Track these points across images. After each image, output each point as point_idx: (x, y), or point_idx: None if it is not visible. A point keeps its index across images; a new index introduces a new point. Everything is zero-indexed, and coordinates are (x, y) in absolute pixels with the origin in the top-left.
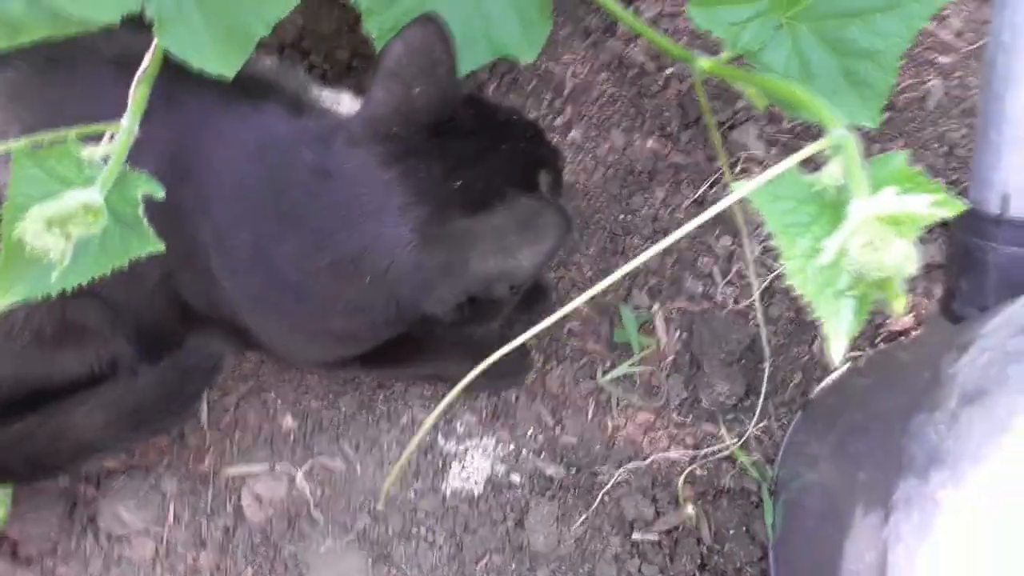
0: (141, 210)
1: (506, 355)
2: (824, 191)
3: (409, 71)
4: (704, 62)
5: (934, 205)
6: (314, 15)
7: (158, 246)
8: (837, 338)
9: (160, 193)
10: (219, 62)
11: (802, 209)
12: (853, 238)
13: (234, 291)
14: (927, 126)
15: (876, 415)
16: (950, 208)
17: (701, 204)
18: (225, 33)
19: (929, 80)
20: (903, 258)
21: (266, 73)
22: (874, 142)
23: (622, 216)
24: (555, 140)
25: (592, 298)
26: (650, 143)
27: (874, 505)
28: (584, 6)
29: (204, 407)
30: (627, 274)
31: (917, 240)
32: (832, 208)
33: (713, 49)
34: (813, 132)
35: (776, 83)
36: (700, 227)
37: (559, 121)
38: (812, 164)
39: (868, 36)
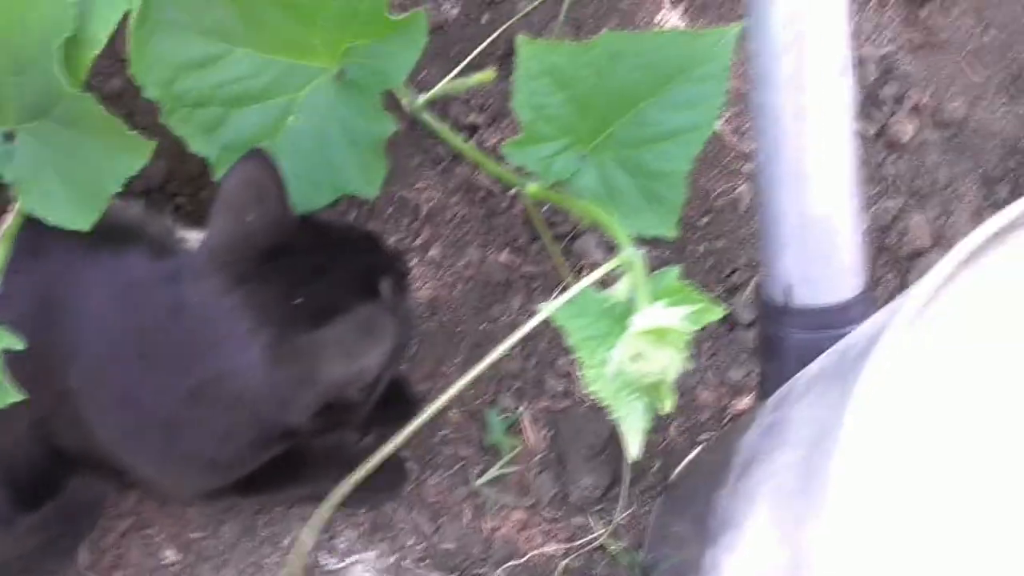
0: None
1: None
2: (615, 306)
3: (241, 201)
4: (532, 187)
5: (696, 314)
6: (179, 158)
7: (18, 397)
8: (633, 435)
9: (19, 345)
10: (75, 218)
11: (597, 324)
12: (623, 350)
13: (105, 432)
14: (742, 225)
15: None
16: (711, 316)
17: None
18: (79, 191)
19: (739, 185)
20: (665, 366)
21: (131, 219)
22: (697, 243)
23: (483, 326)
24: (414, 260)
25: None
26: (503, 257)
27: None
28: (432, 138)
29: (83, 549)
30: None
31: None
32: (622, 321)
33: None
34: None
35: (585, 206)
36: (557, 331)
37: (417, 242)
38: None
39: (658, 160)
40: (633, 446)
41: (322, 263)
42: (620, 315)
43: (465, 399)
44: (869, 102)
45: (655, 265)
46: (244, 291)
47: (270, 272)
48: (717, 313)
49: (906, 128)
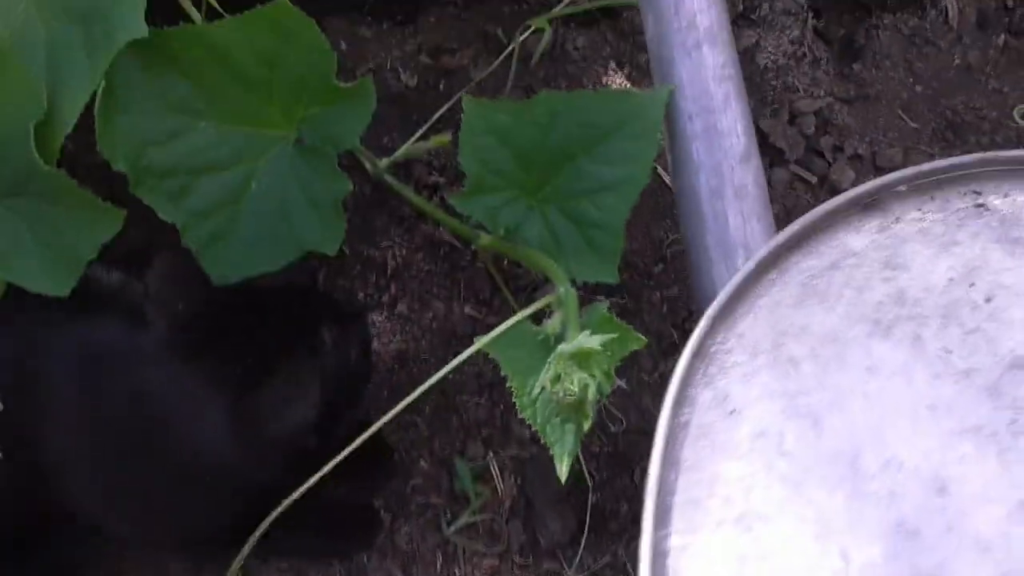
0: None
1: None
2: (548, 339)
3: (165, 296)
4: (484, 239)
5: (618, 341)
6: (159, 225)
7: None
8: (561, 459)
9: None
10: (53, 285)
11: (531, 356)
12: (546, 373)
13: (80, 495)
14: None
15: None
16: (634, 344)
17: None
18: (57, 260)
19: None
20: (584, 387)
21: (111, 285)
22: (653, 290)
23: (450, 376)
24: (383, 316)
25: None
26: (467, 309)
27: None
28: (396, 199)
29: None
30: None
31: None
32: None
33: None
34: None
35: (528, 253)
36: None
37: (385, 298)
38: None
39: (597, 210)
40: (561, 469)
41: (256, 327)
42: (552, 347)
43: (435, 448)
44: (810, 152)
45: (616, 314)
46: (193, 369)
47: (213, 346)
48: (639, 342)
49: (846, 175)
